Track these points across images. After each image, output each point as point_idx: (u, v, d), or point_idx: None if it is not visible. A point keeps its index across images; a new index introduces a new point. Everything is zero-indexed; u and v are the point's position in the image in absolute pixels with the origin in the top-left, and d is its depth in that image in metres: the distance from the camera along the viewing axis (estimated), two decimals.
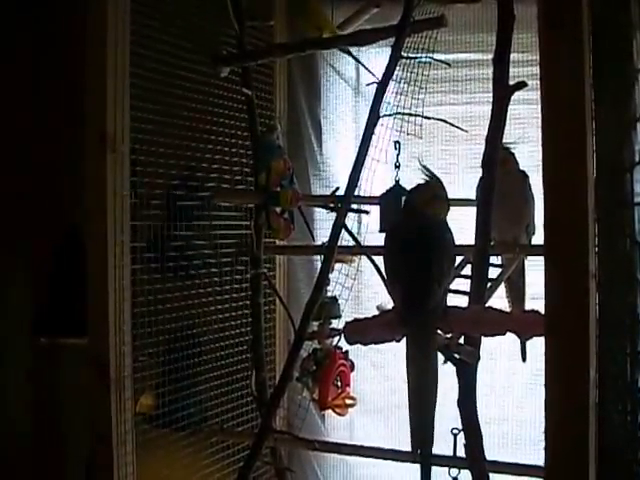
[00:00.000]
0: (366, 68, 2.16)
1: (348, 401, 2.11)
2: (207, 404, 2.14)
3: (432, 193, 1.43)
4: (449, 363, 1.44)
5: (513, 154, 1.78)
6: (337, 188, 1.91)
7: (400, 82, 1.78)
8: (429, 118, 1.71)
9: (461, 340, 1.44)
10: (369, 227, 2.00)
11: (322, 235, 2.24)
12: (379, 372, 2.40)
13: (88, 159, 1.69)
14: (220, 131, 2.15)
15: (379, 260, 1.54)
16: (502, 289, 1.83)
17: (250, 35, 2.05)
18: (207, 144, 2.12)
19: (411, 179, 1.56)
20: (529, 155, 1.85)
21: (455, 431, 1.56)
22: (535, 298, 1.71)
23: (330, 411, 2.09)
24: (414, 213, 1.44)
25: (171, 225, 2.03)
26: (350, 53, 2.08)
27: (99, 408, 1.67)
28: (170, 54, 1.94)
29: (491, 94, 1.44)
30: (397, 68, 1.65)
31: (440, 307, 1.38)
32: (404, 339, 1.38)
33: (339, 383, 2.08)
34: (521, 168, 1.80)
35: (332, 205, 1.90)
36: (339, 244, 1.65)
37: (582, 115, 1.11)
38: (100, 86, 1.67)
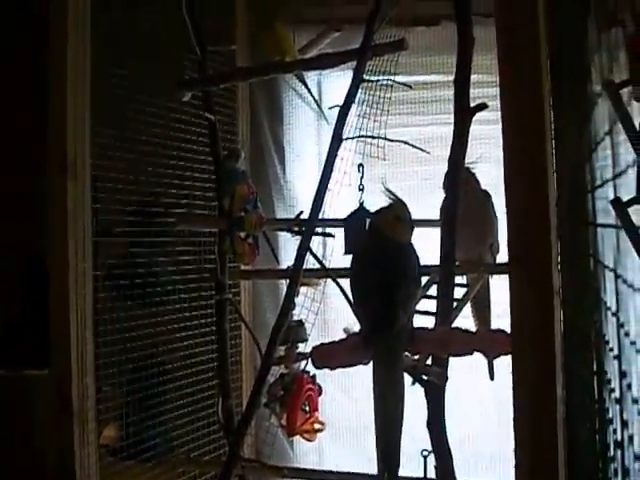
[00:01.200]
0: (312, 96, 2.18)
1: (317, 426, 2.09)
2: (173, 433, 2.11)
3: (395, 215, 1.43)
4: (417, 384, 1.43)
5: (474, 174, 1.79)
6: (301, 212, 1.91)
7: (362, 104, 1.79)
8: (392, 140, 1.72)
9: (429, 361, 1.44)
10: (334, 250, 1.99)
11: (287, 259, 2.23)
12: (347, 395, 2.38)
13: (49, 187, 1.67)
14: (183, 156, 2.14)
15: (345, 283, 1.53)
16: (468, 309, 1.83)
17: (212, 59, 2.05)
18: (170, 169, 2.11)
19: (375, 201, 1.57)
20: (490, 174, 1.86)
21: (425, 453, 1.56)
22: (501, 316, 1.72)
23: (299, 437, 2.07)
24: (378, 236, 1.44)
25: (134, 252, 2.01)
26: (304, 82, 2.09)
27: (62, 441, 1.64)
28: (132, 79, 1.93)
29: (453, 115, 1.45)
30: (359, 91, 1.66)
31: (406, 330, 1.37)
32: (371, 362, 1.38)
33: (307, 408, 2.06)
34: (483, 187, 1.81)
35: (297, 229, 1.90)
36: (304, 267, 1.64)
37: (542, 136, 1.12)
38: (60, 114, 1.66)
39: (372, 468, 1.36)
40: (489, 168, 1.91)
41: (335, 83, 2.38)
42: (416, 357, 1.43)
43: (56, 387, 1.64)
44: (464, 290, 1.78)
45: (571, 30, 1.07)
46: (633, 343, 0.65)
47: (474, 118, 1.44)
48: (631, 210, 0.70)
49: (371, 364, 1.37)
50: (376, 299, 1.37)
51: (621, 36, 0.68)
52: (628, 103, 0.70)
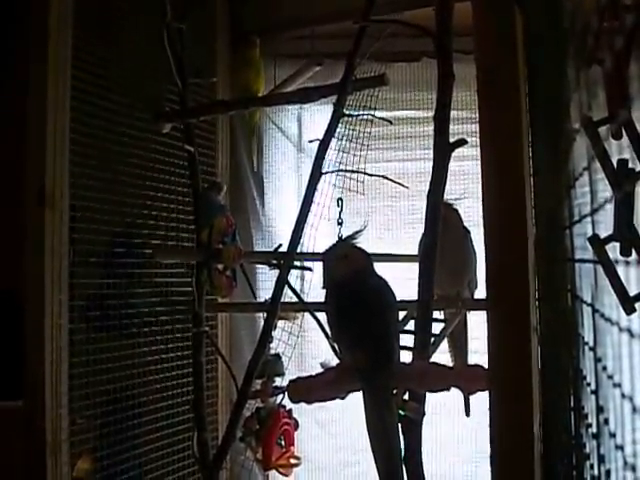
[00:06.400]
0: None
1: (292, 461, 2.07)
2: (148, 467, 2.08)
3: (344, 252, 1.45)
4: None
5: (457, 210, 1.80)
6: (280, 245, 1.90)
7: (342, 139, 1.80)
8: (371, 175, 1.73)
9: (405, 396, 1.44)
10: (312, 284, 1.99)
11: (265, 292, 2.22)
12: (324, 430, 2.37)
13: (27, 216, 1.66)
14: (162, 187, 2.14)
15: (322, 317, 1.53)
16: (445, 344, 1.83)
17: (193, 91, 2.06)
18: (149, 200, 2.10)
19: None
20: (471, 210, 1.88)
21: None
22: (479, 352, 1.72)
23: (274, 471, 2.05)
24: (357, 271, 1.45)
25: (111, 283, 1.99)
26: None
27: (34, 474, 1.61)
28: (112, 110, 1.93)
29: (432, 151, 1.46)
30: (339, 125, 1.67)
31: (397, 362, 1.38)
32: (348, 396, 1.37)
33: (283, 442, 2.04)
34: (464, 224, 1.82)
35: (275, 262, 1.89)
36: (282, 301, 1.64)
37: (521, 172, 1.13)
38: (40, 143, 1.66)
39: None
40: (473, 203, 1.92)
41: (315, 117, 2.40)
42: (394, 391, 1.42)
43: (29, 419, 1.62)
44: (442, 325, 1.78)
45: (549, 68, 1.09)
46: (610, 377, 0.66)
47: (455, 154, 1.45)
48: (608, 246, 0.70)
49: (350, 397, 1.37)
50: (373, 334, 1.36)
51: (600, 74, 0.69)
52: (606, 140, 0.71)
